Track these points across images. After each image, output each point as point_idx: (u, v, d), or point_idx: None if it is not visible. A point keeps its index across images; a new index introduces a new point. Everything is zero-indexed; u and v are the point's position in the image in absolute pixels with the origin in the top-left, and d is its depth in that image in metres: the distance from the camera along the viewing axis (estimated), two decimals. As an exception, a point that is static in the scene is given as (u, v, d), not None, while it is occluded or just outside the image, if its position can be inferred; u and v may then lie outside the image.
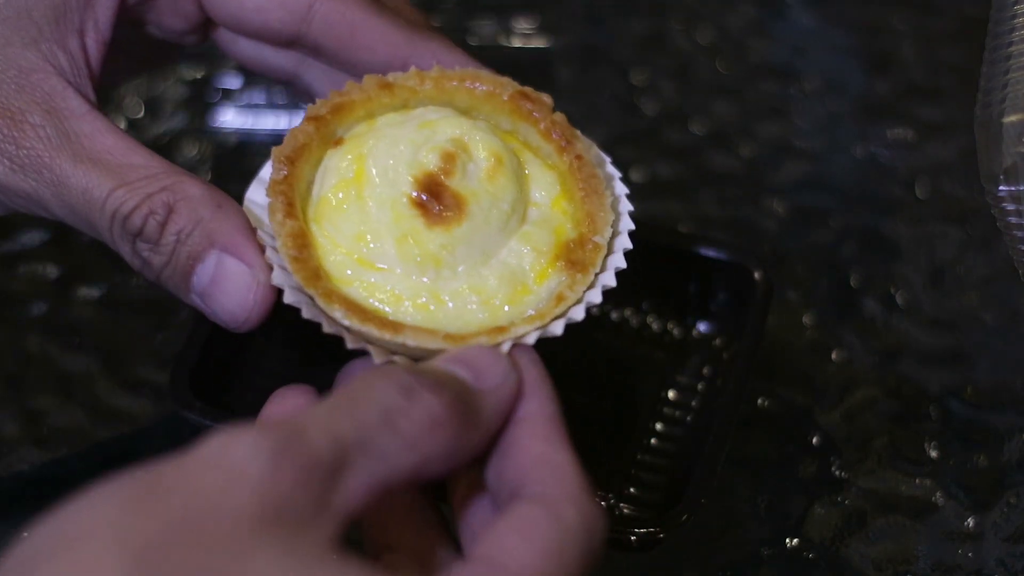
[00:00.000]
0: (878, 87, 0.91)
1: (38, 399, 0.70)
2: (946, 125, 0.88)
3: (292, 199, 0.56)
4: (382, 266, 0.55)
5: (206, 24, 0.63)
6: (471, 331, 0.54)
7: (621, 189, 0.59)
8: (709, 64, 0.93)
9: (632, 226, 0.58)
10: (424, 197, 0.55)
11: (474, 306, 0.55)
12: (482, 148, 0.57)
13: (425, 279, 0.55)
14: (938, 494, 0.68)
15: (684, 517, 0.61)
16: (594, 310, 0.58)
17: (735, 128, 0.88)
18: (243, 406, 0.68)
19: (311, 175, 0.58)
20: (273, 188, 0.56)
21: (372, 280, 0.55)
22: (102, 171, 0.56)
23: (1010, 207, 0.59)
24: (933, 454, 0.70)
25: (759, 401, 0.72)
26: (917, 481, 0.69)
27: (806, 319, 0.76)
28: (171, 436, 0.68)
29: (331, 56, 0.62)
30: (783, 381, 0.73)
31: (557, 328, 0.55)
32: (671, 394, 0.70)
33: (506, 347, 0.54)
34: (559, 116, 0.60)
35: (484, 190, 0.56)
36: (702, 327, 0.72)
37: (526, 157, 0.59)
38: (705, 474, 0.63)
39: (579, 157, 0.58)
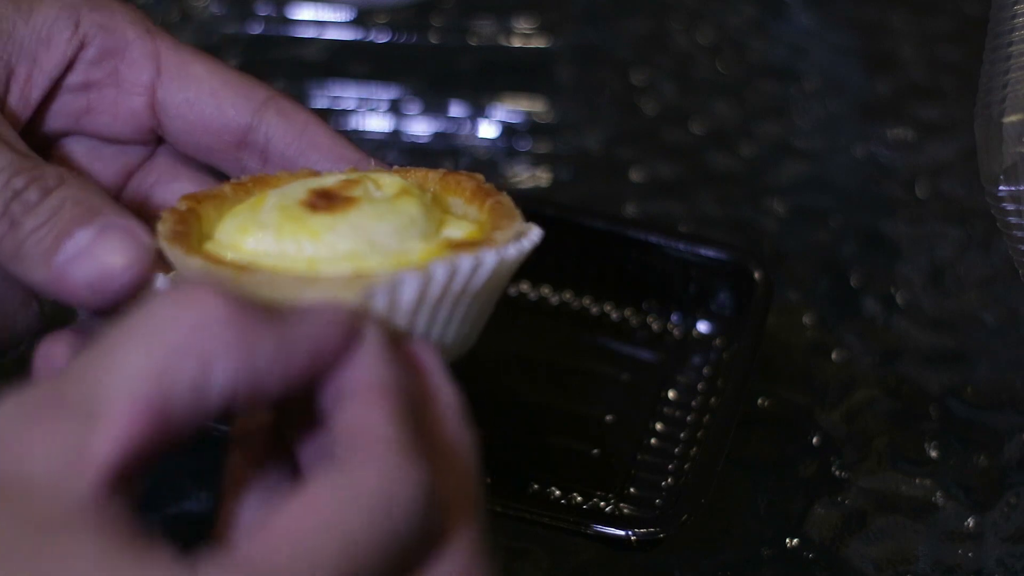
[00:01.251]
0: (878, 87, 0.91)
1: None
2: (946, 125, 0.88)
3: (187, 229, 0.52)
4: (261, 246, 0.52)
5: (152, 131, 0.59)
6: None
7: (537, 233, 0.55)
8: (709, 64, 0.93)
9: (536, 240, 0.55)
10: (314, 200, 0.52)
11: (348, 271, 0.51)
12: (390, 182, 0.55)
13: (304, 250, 0.51)
14: (938, 494, 0.68)
15: (684, 517, 0.61)
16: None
17: (735, 128, 0.88)
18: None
19: (213, 221, 0.54)
20: (167, 217, 0.53)
21: (248, 248, 0.52)
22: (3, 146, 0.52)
23: (1010, 207, 0.59)
24: (933, 454, 0.70)
25: (759, 401, 0.71)
26: (917, 481, 0.69)
27: (806, 319, 0.76)
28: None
29: (277, 156, 0.58)
30: (783, 381, 0.73)
31: (411, 282, 0.50)
32: (671, 394, 0.70)
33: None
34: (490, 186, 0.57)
35: (383, 202, 0.53)
36: (702, 327, 0.72)
37: (447, 219, 0.55)
38: (705, 474, 0.63)
39: (499, 202, 0.55)
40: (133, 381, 0.40)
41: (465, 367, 0.71)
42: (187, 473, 0.67)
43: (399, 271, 0.49)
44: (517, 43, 0.93)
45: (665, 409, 0.69)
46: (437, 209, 0.55)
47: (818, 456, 0.69)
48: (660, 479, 0.66)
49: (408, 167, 0.57)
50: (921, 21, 0.95)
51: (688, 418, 0.69)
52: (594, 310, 0.73)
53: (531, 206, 0.73)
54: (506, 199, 0.55)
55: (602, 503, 0.65)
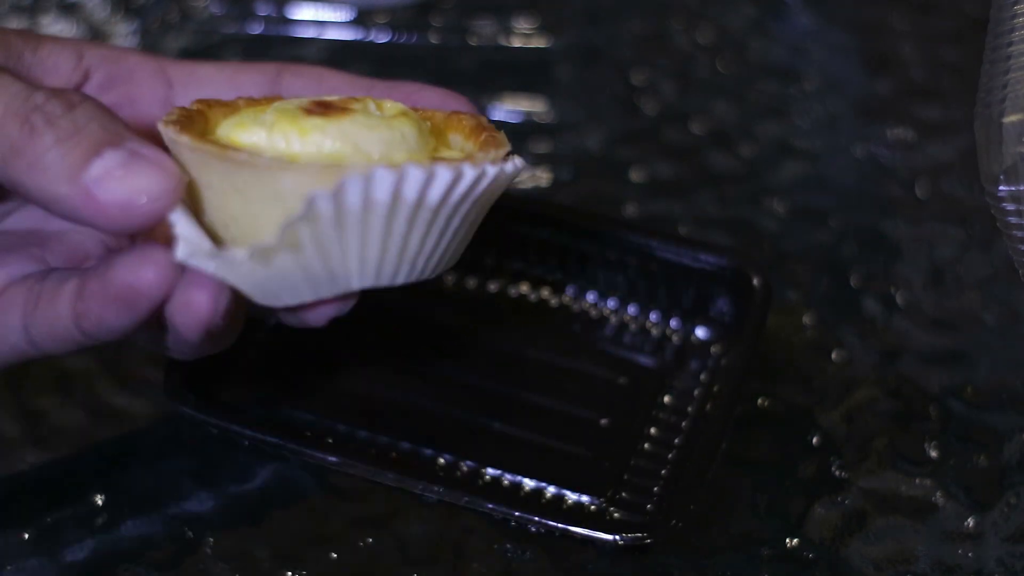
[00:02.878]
0: (878, 87, 0.91)
1: (38, 399, 0.70)
2: (946, 125, 0.88)
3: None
4: (252, 139, 0.53)
5: None
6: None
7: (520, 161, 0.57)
8: (709, 64, 0.93)
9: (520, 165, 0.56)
10: (313, 107, 0.54)
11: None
12: (392, 105, 0.56)
13: (291, 146, 0.53)
14: (938, 494, 0.68)
15: (672, 523, 0.61)
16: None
17: (735, 128, 0.88)
18: (240, 400, 0.68)
19: (219, 122, 0.55)
20: (174, 110, 0.54)
21: (240, 140, 0.53)
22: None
23: (1010, 207, 0.59)
24: (933, 454, 0.70)
25: (759, 401, 0.71)
26: (917, 481, 0.69)
27: (806, 319, 0.76)
28: (171, 434, 0.68)
29: None
30: (783, 381, 0.73)
31: (384, 178, 0.50)
32: (667, 399, 0.70)
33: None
34: (490, 126, 0.58)
35: (378, 117, 0.54)
36: (700, 333, 0.72)
37: (442, 149, 0.57)
38: (695, 481, 0.63)
39: (492, 136, 0.56)
40: None
41: (463, 363, 0.71)
42: (187, 473, 0.67)
43: (374, 165, 0.50)
44: (517, 43, 0.93)
45: (661, 414, 0.69)
46: (434, 138, 0.56)
47: (818, 456, 0.69)
48: (652, 484, 0.66)
49: (419, 107, 0.59)
50: (921, 21, 0.95)
51: (683, 424, 0.69)
52: (593, 313, 0.73)
53: (531, 207, 0.74)
54: (500, 135, 0.56)
55: (593, 506, 0.65)
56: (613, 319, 0.73)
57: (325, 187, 0.50)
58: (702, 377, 0.71)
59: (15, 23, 0.93)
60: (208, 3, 0.94)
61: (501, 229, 0.71)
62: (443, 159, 0.54)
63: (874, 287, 0.78)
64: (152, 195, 0.50)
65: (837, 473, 0.69)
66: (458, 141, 0.58)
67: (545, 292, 0.74)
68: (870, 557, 0.66)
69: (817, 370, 0.73)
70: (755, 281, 0.70)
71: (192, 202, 0.53)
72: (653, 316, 0.73)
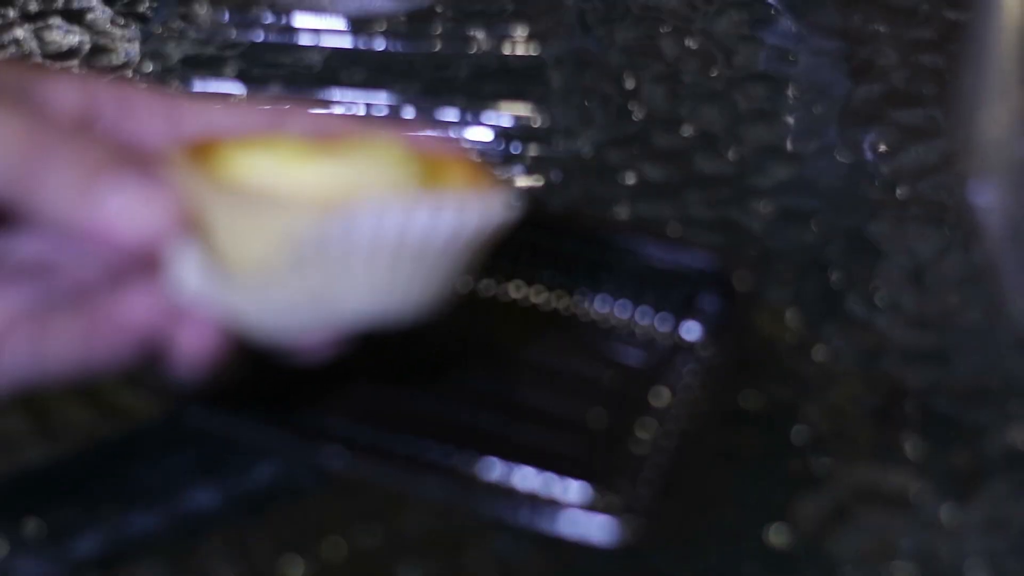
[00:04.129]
0: (861, 92, 0.92)
1: (45, 396, 0.70)
2: (927, 129, 0.88)
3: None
4: (248, 172, 0.54)
5: None
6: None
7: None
8: (698, 70, 0.93)
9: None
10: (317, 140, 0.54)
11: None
12: (393, 147, 0.56)
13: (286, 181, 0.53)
14: (919, 488, 0.69)
15: (664, 519, 0.62)
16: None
17: (723, 132, 0.89)
18: (243, 399, 0.69)
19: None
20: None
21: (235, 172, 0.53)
22: None
23: (990, 208, 0.59)
24: (913, 449, 0.70)
25: (742, 398, 0.72)
26: (898, 475, 0.69)
27: (790, 318, 0.77)
28: (176, 433, 0.69)
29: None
30: (767, 378, 0.73)
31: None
32: (652, 398, 0.70)
33: None
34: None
35: (379, 160, 0.54)
36: (687, 333, 0.73)
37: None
38: (686, 477, 0.63)
39: (490, 173, 0.57)
40: None
41: (456, 364, 0.71)
42: (191, 469, 0.67)
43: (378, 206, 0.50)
44: (510, 50, 0.93)
45: (649, 411, 0.70)
46: (433, 179, 0.56)
47: (801, 452, 0.70)
48: (642, 480, 0.66)
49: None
50: (903, 28, 0.95)
51: (671, 420, 0.69)
52: (580, 313, 0.74)
53: (524, 209, 0.74)
54: (498, 179, 0.56)
55: (583, 503, 0.65)
56: (599, 318, 0.74)
57: (309, 221, 0.50)
58: (688, 376, 0.71)
59: (20, 29, 0.93)
60: (207, 10, 0.94)
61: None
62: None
63: (857, 287, 0.79)
64: (155, 224, 0.52)
65: (820, 468, 0.69)
66: (458, 182, 0.58)
67: (532, 292, 0.75)
68: (853, 550, 0.66)
69: (800, 367, 0.74)
70: (740, 280, 0.70)
71: (199, 232, 0.54)
72: (640, 315, 0.73)
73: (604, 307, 0.74)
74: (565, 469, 0.67)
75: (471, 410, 0.69)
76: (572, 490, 0.66)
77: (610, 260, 0.73)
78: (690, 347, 0.72)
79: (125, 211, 0.51)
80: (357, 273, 0.51)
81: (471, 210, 0.51)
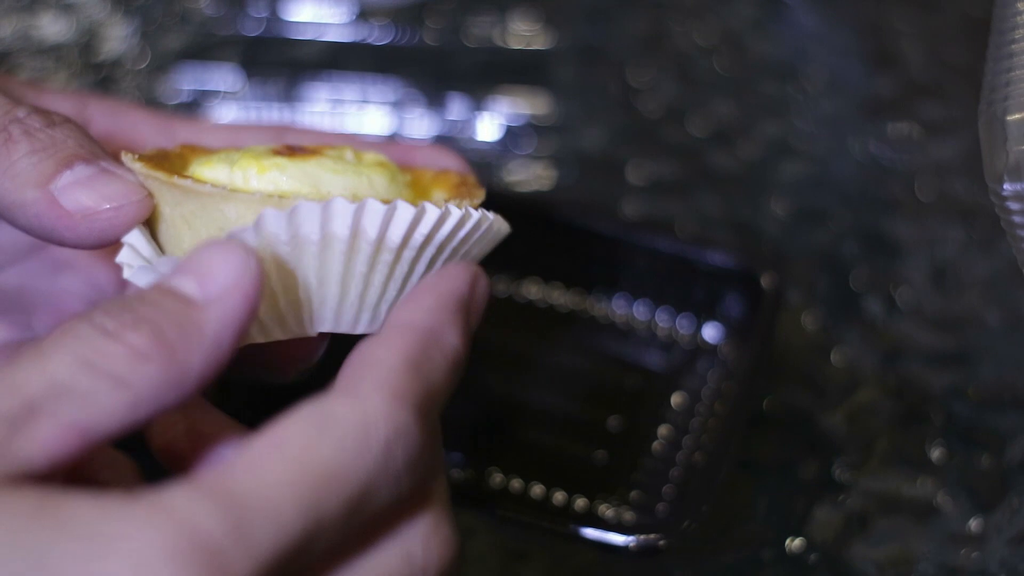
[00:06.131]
0: (879, 86, 0.91)
1: None
2: (948, 124, 0.88)
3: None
4: (213, 175, 0.51)
5: None
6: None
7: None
8: (709, 64, 0.93)
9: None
10: (283, 149, 0.52)
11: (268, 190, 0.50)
12: (373, 157, 0.53)
13: (249, 183, 0.51)
14: (941, 496, 0.68)
15: (685, 524, 0.61)
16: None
17: (735, 128, 0.88)
18: (240, 404, 0.68)
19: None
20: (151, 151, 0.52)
21: (202, 176, 0.51)
22: None
23: (1014, 206, 0.58)
24: (935, 455, 0.69)
25: (761, 403, 0.71)
26: (919, 483, 0.68)
27: (807, 320, 0.76)
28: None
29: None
30: (784, 382, 0.72)
31: (341, 208, 0.47)
32: (676, 399, 0.70)
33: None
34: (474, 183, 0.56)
35: (350, 164, 0.52)
36: (709, 333, 0.72)
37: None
38: (707, 481, 0.62)
39: (466, 183, 0.54)
40: (67, 402, 0.40)
41: (473, 366, 0.71)
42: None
43: (331, 198, 0.47)
44: (517, 44, 0.93)
45: (670, 415, 0.69)
46: (413, 192, 0.54)
47: (819, 458, 0.69)
48: (663, 485, 0.66)
49: (409, 164, 0.57)
50: (922, 20, 0.95)
51: (693, 424, 0.69)
52: (602, 314, 0.73)
53: (539, 208, 0.73)
54: (479, 190, 0.54)
55: (603, 507, 0.65)
56: (621, 320, 0.73)
57: (246, 211, 0.48)
58: (711, 377, 0.70)
59: (14, 22, 0.93)
60: (206, 4, 0.94)
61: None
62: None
63: (875, 287, 0.78)
64: (115, 203, 0.50)
65: (838, 475, 0.69)
66: (441, 197, 0.55)
67: (554, 293, 0.74)
68: (872, 559, 0.65)
69: (818, 371, 0.73)
70: (765, 281, 0.69)
71: (152, 231, 0.52)
72: (661, 316, 0.73)
73: (623, 307, 0.73)
74: (585, 474, 0.66)
75: (486, 413, 0.69)
76: (593, 496, 0.66)
77: (629, 260, 0.72)
78: (711, 354, 0.71)
79: (82, 203, 0.49)
80: (307, 273, 0.49)
81: (428, 215, 0.49)
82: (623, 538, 0.61)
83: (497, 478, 0.66)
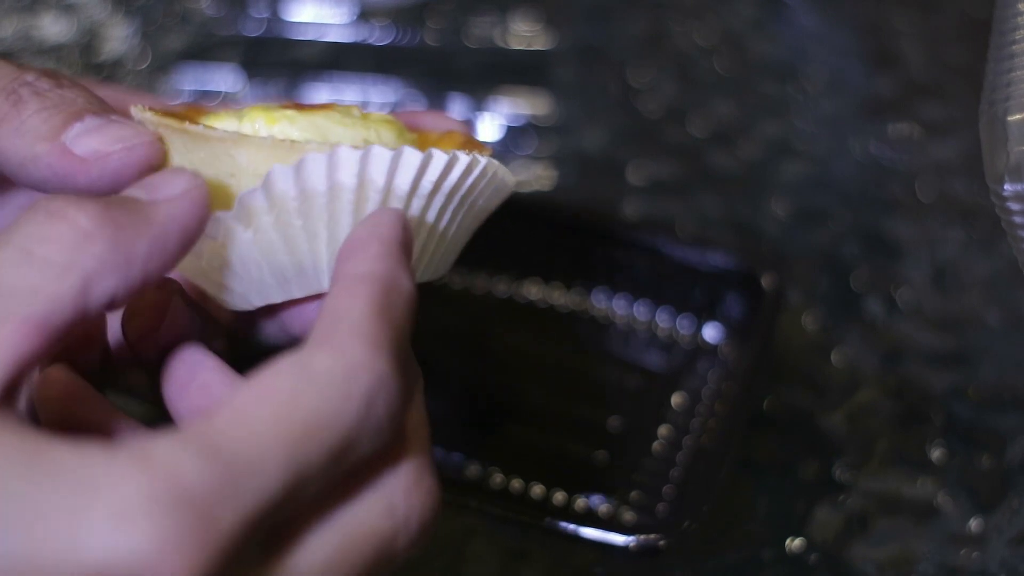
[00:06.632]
0: (879, 86, 0.91)
1: None
2: (948, 124, 0.88)
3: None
4: (223, 126, 0.51)
5: None
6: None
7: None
8: (709, 64, 0.93)
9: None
10: (294, 104, 0.52)
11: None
12: (381, 116, 0.53)
13: (257, 132, 0.51)
14: (941, 496, 0.68)
15: (685, 524, 0.61)
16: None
17: (735, 128, 0.88)
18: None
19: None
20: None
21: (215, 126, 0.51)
22: None
23: (1015, 207, 0.58)
24: (936, 456, 0.69)
25: (761, 403, 0.71)
26: (919, 483, 0.68)
27: (807, 320, 0.76)
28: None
29: None
30: (784, 382, 0.72)
31: (348, 156, 0.47)
32: (676, 399, 0.70)
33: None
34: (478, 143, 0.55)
35: (358, 118, 0.52)
36: (710, 333, 0.72)
37: None
38: (707, 481, 0.62)
39: (473, 140, 0.54)
40: (16, 298, 0.41)
41: (474, 366, 0.71)
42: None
43: (337, 145, 0.47)
44: (517, 44, 0.93)
45: (670, 415, 0.69)
46: (418, 147, 0.54)
47: (819, 458, 0.69)
48: (663, 485, 0.66)
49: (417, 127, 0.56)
50: (923, 20, 0.95)
51: (693, 424, 0.68)
52: (601, 314, 0.73)
53: (539, 208, 0.73)
54: (486, 151, 0.54)
55: (603, 507, 0.65)
56: (622, 320, 0.73)
57: (279, 162, 0.48)
58: (711, 378, 0.70)
59: (15, 22, 0.93)
60: (206, 5, 0.94)
61: (509, 230, 0.71)
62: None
63: (876, 288, 0.78)
64: (127, 144, 0.50)
65: (839, 475, 0.68)
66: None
67: (554, 293, 0.74)
68: (872, 559, 0.65)
69: (818, 371, 0.73)
70: (765, 281, 0.69)
71: None
72: (662, 316, 0.73)
73: (624, 308, 0.73)
74: (585, 474, 0.66)
75: (487, 412, 0.69)
76: (593, 495, 0.66)
77: (629, 260, 0.72)
78: (711, 355, 0.71)
79: (92, 146, 0.49)
80: (317, 226, 0.49)
81: (436, 161, 0.49)
82: (623, 538, 0.60)
83: (497, 478, 0.66)
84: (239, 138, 0.49)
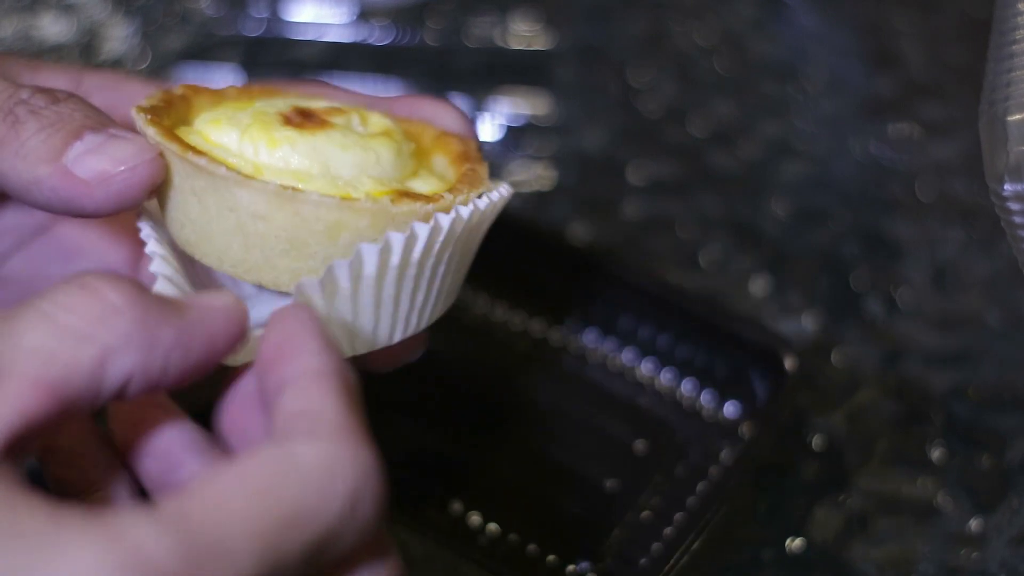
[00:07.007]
0: (879, 86, 0.91)
1: None
2: (948, 124, 0.88)
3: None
4: (223, 140, 0.52)
5: None
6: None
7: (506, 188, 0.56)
8: (709, 64, 0.92)
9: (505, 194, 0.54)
10: (293, 115, 0.52)
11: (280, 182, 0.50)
12: (378, 121, 0.54)
13: (259, 156, 0.51)
14: (941, 496, 0.68)
15: None
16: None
17: (735, 128, 0.88)
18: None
19: (201, 112, 0.54)
20: (156, 94, 0.53)
21: (212, 139, 0.52)
22: None
23: (1015, 206, 0.58)
24: (936, 456, 0.69)
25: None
26: (920, 483, 0.68)
27: (807, 320, 0.76)
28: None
29: None
30: (784, 383, 0.72)
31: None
32: (680, 471, 0.67)
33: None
34: (476, 153, 0.56)
35: (357, 136, 0.52)
36: (731, 410, 0.69)
37: (422, 173, 0.55)
38: (684, 560, 0.61)
39: (473, 170, 0.54)
40: (33, 359, 0.41)
41: (488, 410, 0.70)
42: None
43: (360, 244, 0.49)
44: (517, 44, 0.93)
45: (668, 486, 0.67)
46: (415, 161, 0.55)
47: (819, 458, 0.69)
48: (640, 557, 0.64)
49: (412, 118, 0.57)
50: (923, 20, 0.95)
51: (688, 501, 0.66)
52: (627, 372, 0.71)
53: (581, 259, 0.72)
54: (483, 169, 0.55)
55: (571, 567, 0.63)
56: (646, 381, 0.71)
57: (279, 209, 0.49)
58: (722, 457, 0.67)
59: (15, 23, 0.93)
60: (206, 5, 0.94)
61: (545, 280, 0.72)
62: (412, 195, 0.51)
63: (876, 288, 0.78)
64: (129, 164, 0.50)
65: (839, 475, 0.68)
66: (442, 164, 0.56)
67: (589, 339, 0.72)
68: (872, 559, 0.65)
69: (818, 371, 0.73)
70: (787, 362, 0.67)
71: (158, 196, 0.53)
72: (686, 385, 0.70)
73: (650, 370, 0.71)
74: (559, 532, 0.65)
75: (487, 456, 0.68)
76: (561, 556, 0.64)
77: (662, 322, 0.70)
78: (728, 433, 0.68)
79: (95, 168, 0.49)
80: (343, 311, 0.50)
81: (443, 220, 0.50)
82: None
83: (474, 519, 0.65)
84: (241, 180, 0.49)
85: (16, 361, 0.40)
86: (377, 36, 0.93)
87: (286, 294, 0.52)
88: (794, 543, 0.66)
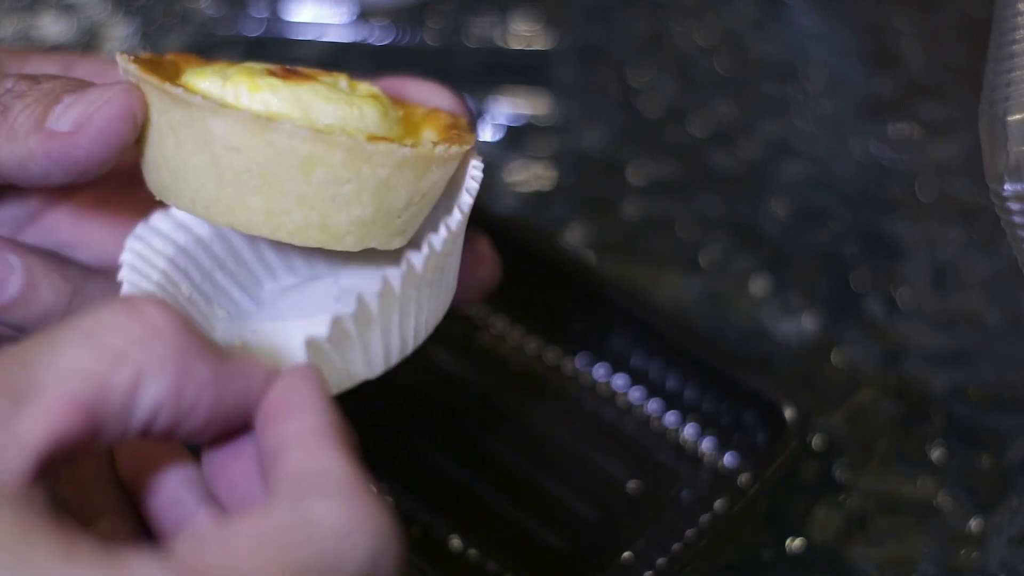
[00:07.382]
0: (879, 86, 0.91)
1: None
2: (948, 124, 0.88)
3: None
4: (206, 87, 0.51)
5: None
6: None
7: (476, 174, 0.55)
8: (709, 64, 0.92)
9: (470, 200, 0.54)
10: (279, 70, 0.52)
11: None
12: (367, 88, 0.54)
13: (239, 99, 0.51)
14: (941, 496, 0.68)
15: None
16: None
17: (735, 128, 0.88)
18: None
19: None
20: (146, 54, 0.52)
21: (195, 87, 0.51)
22: None
23: (1014, 206, 0.58)
24: (936, 455, 0.69)
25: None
26: (919, 483, 0.68)
27: (806, 320, 0.76)
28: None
29: None
30: (783, 383, 0.72)
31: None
32: (670, 516, 0.66)
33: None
34: (465, 126, 0.56)
35: (343, 93, 0.52)
36: (730, 459, 0.68)
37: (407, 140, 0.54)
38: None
39: (459, 132, 0.54)
40: (69, 376, 0.40)
41: (486, 434, 0.70)
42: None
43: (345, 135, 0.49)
44: (517, 44, 0.93)
45: (656, 530, 0.65)
46: (402, 129, 0.54)
47: (819, 458, 0.69)
48: None
49: (405, 98, 0.57)
50: (923, 20, 0.95)
51: (674, 547, 0.64)
52: (635, 408, 0.71)
53: (586, 282, 0.71)
54: (470, 135, 0.54)
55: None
56: (650, 421, 0.70)
57: (253, 137, 0.48)
58: (717, 506, 0.65)
59: (14, 22, 0.93)
60: (206, 5, 0.94)
61: (563, 317, 0.71)
62: (388, 138, 0.51)
63: (876, 287, 0.78)
64: (102, 100, 0.50)
65: (838, 475, 0.68)
66: (430, 137, 0.55)
67: (600, 371, 0.72)
68: (872, 559, 0.65)
69: (818, 371, 0.73)
70: (787, 413, 0.66)
71: (139, 140, 0.52)
72: (688, 430, 0.69)
73: (655, 410, 0.70)
74: (539, 564, 0.64)
75: (480, 481, 0.67)
76: None
77: (671, 361, 0.70)
78: (727, 482, 0.67)
79: (74, 118, 0.49)
80: (374, 337, 0.50)
81: (435, 240, 0.50)
82: None
83: (455, 543, 0.65)
84: (216, 108, 0.49)
85: (52, 379, 0.40)
86: (377, 36, 0.93)
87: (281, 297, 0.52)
88: (794, 543, 0.66)
